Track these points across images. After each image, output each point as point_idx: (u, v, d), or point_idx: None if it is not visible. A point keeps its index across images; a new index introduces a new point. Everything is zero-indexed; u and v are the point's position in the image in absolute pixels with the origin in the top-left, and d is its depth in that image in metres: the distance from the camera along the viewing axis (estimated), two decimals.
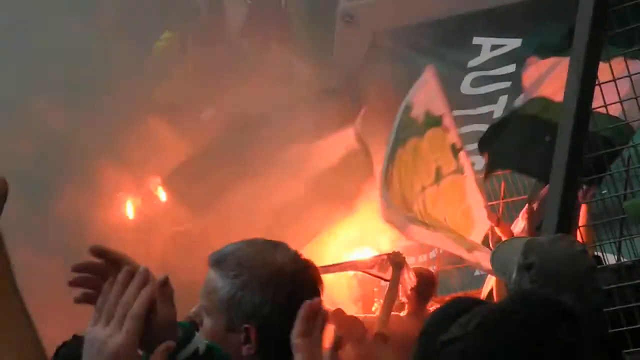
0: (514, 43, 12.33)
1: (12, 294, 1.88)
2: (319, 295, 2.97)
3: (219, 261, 2.97)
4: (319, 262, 3.37)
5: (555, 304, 1.99)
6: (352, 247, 11.34)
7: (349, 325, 8.44)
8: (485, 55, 12.42)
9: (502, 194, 10.47)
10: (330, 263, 10.07)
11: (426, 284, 8.81)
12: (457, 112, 11.05)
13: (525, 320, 1.91)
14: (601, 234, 5.21)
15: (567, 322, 1.92)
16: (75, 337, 4.27)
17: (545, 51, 8.09)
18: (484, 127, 8.97)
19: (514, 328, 1.89)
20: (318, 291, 2.98)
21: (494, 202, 10.11)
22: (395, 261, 8.79)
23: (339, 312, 8.37)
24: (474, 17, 12.28)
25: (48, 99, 10.45)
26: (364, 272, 9.61)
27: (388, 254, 9.11)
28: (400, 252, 9.10)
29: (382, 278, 9.17)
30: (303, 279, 2.97)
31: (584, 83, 4.52)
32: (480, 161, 11.24)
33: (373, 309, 10.46)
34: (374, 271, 9.28)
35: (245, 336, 2.91)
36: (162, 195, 11.58)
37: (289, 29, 12.55)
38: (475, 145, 11.14)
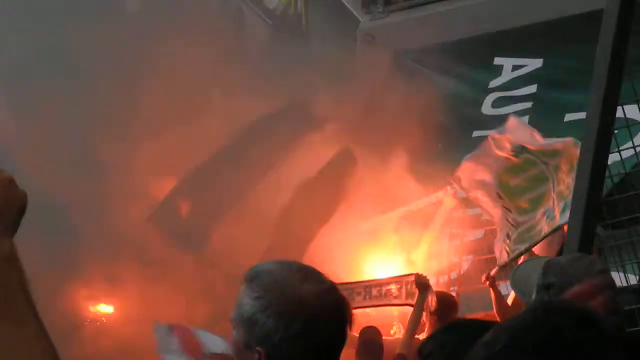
0: (536, 63, 12.33)
1: (27, 312, 1.87)
2: (339, 331, 2.97)
3: (250, 278, 3.00)
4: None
5: (579, 309, 1.96)
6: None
7: (367, 346, 8.42)
8: (506, 75, 12.41)
9: None
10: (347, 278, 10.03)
11: (447, 308, 8.76)
12: (478, 133, 11.05)
13: (556, 327, 1.88)
14: (622, 254, 5.19)
15: (595, 326, 1.89)
16: None
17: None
18: None
19: (545, 340, 1.86)
20: (339, 328, 2.97)
21: None
22: (421, 283, 8.75)
23: (353, 337, 8.34)
24: (496, 37, 12.28)
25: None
26: (392, 305, 9.56)
27: (414, 276, 9.06)
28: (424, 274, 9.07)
29: (410, 305, 9.13)
30: (323, 315, 2.94)
31: (606, 101, 4.51)
32: None
33: (392, 332, 10.42)
34: (402, 300, 9.25)
35: (258, 358, 2.92)
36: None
37: (309, 49, 12.56)
38: None
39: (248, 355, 2.94)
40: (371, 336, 8.72)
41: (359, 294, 9.57)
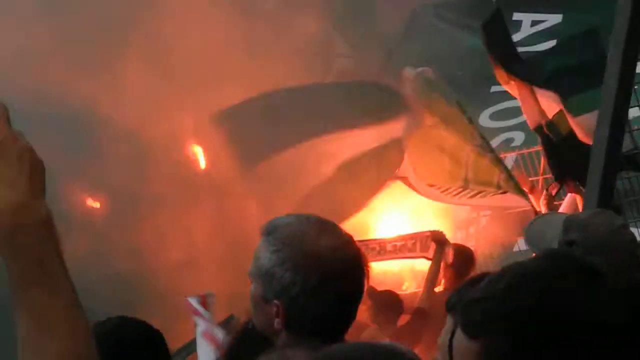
0: (555, 19, 12.24)
1: (62, 278, 1.90)
2: (356, 284, 2.99)
3: (268, 232, 3.02)
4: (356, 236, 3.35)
5: (584, 263, 1.96)
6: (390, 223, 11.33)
7: (386, 300, 8.47)
8: (525, 31, 12.33)
9: (541, 170, 10.44)
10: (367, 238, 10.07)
11: (465, 261, 8.79)
12: (496, 88, 11.01)
13: (562, 275, 1.89)
14: (627, 212, 5.19)
15: (597, 281, 1.90)
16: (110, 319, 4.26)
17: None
18: None
19: (543, 289, 1.87)
20: (356, 281, 3.00)
21: (533, 178, 10.11)
22: (438, 239, 8.79)
23: (372, 289, 8.39)
24: None
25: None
26: (407, 258, 9.60)
27: (430, 232, 9.10)
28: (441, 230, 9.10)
29: (425, 258, 9.15)
30: (340, 268, 2.97)
31: (626, 55, 4.50)
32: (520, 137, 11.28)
33: (403, 287, 10.46)
34: (417, 253, 9.29)
35: (276, 311, 2.96)
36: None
37: (329, 3, 12.50)
38: (512, 121, 11.18)
39: (266, 308, 2.99)
40: (390, 294, 8.79)
41: (373, 249, 9.62)
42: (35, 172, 1.92)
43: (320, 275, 2.93)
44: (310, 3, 11.53)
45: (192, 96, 10.80)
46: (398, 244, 9.69)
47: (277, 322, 2.97)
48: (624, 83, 4.55)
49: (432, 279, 8.43)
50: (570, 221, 3.84)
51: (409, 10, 12.39)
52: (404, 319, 8.39)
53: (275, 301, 2.95)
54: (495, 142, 10.92)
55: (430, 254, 8.87)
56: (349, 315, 3.05)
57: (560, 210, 8.27)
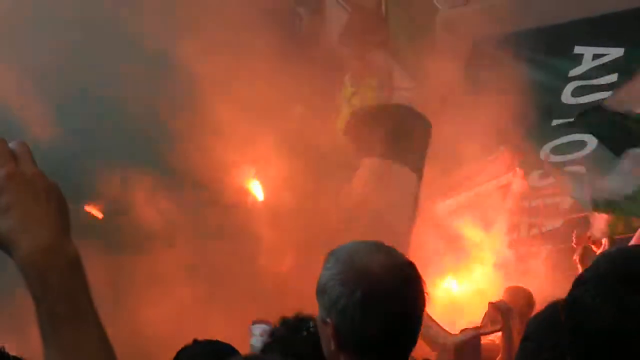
0: (617, 52, 12.18)
1: (91, 315, 1.92)
2: (408, 304, 2.97)
3: (330, 254, 3.03)
4: None
5: None
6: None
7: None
8: (586, 64, 12.27)
9: None
10: None
11: (525, 301, 8.69)
12: (557, 122, 10.98)
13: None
14: None
15: None
16: (195, 341, 4.37)
17: None
18: (585, 137, 8.95)
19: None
20: (408, 300, 2.98)
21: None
22: (500, 308, 8.53)
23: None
24: (576, 25, 12.16)
25: None
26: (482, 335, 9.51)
27: (492, 304, 8.93)
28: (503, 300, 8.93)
29: (494, 331, 9.12)
30: (390, 285, 2.95)
31: None
32: None
33: None
34: (488, 329, 9.21)
35: (330, 331, 2.97)
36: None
37: (388, 36, 12.56)
38: (574, 156, 11.12)
39: (325, 330, 2.99)
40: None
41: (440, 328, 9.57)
42: (63, 211, 1.94)
43: (365, 289, 2.91)
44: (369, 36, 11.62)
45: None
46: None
47: (332, 344, 2.97)
48: None
49: (508, 352, 8.11)
50: None
51: (470, 41, 12.40)
52: None
53: (328, 319, 2.95)
54: None
55: (500, 326, 8.77)
56: (403, 337, 2.99)
57: (632, 242, 8.20)
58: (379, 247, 3.02)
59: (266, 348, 3.74)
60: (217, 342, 4.32)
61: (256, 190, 11.72)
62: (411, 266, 3.01)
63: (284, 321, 3.77)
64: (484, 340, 9.37)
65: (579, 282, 1.96)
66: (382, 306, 2.92)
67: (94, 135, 10.66)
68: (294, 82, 10.89)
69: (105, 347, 1.91)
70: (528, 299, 8.83)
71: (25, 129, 9.54)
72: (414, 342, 3.02)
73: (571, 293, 1.96)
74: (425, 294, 2.99)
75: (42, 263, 1.87)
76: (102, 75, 10.36)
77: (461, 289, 11.02)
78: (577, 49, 12.32)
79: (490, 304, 8.92)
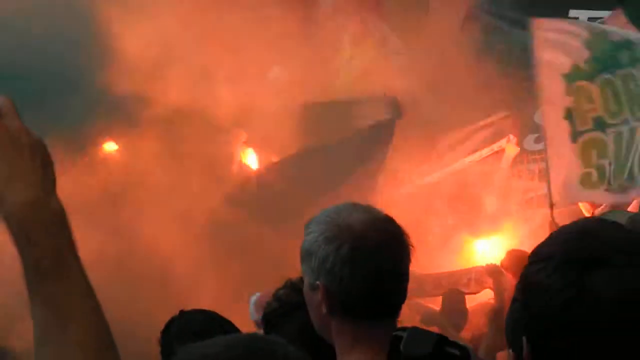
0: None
1: (77, 270, 1.92)
2: (395, 259, 2.95)
3: (308, 222, 3.02)
4: None
5: None
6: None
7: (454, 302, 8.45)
8: None
9: None
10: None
11: (522, 264, 8.67)
12: None
13: None
14: None
15: None
16: (182, 312, 4.33)
17: None
18: None
19: None
20: (395, 255, 2.96)
21: None
22: (493, 272, 8.49)
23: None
24: None
25: None
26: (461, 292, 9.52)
27: (485, 267, 8.93)
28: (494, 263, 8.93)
29: (477, 292, 9.13)
30: (375, 239, 2.93)
31: None
32: None
33: None
34: (471, 289, 9.23)
35: (321, 295, 2.94)
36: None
37: (382, 2, 12.53)
38: None
39: (314, 297, 2.97)
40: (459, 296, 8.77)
41: (428, 283, 9.62)
42: (48, 166, 1.94)
43: (352, 244, 2.90)
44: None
45: None
46: (453, 279, 9.65)
47: (323, 308, 2.94)
48: None
49: (495, 316, 8.04)
50: (633, 220, 3.81)
51: (463, 7, 12.37)
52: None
53: (317, 282, 2.93)
54: None
55: (483, 289, 8.80)
56: (394, 294, 2.99)
57: (630, 209, 8.15)
58: (356, 205, 3.01)
59: (276, 316, 3.68)
60: (203, 311, 4.29)
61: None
62: (392, 221, 3.00)
63: (291, 284, 3.72)
64: (480, 301, 9.45)
65: (534, 259, 1.94)
66: (370, 261, 2.89)
67: None
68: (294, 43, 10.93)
69: (90, 303, 1.91)
70: (525, 260, 8.79)
71: None
72: (403, 299, 2.99)
73: (526, 270, 1.94)
74: (410, 247, 2.98)
75: (27, 218, 1.87)
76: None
77: (458, 256, 11.04)
78: (572, 13, 12.30)
79: (484, 266, 8.97)
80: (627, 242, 1.92)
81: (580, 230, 1.98)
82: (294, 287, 3.65)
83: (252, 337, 1.79)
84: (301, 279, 3.11)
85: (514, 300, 2.05)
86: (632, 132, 8.34)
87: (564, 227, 2.04)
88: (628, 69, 8.48)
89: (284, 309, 3.65)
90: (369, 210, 3.01)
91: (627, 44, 8.57)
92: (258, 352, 1.72)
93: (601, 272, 1.85)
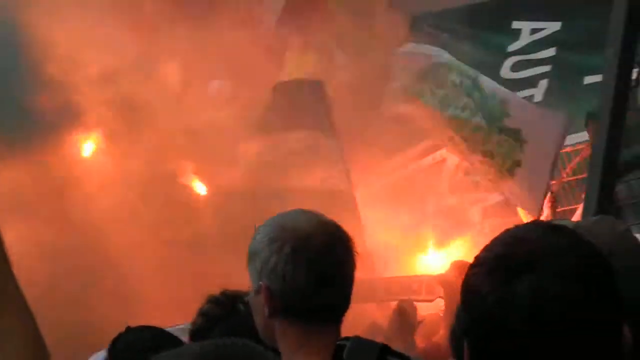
0: (554, 26, 12.29)
1: (22, 302, 1.92)
2: (338, 262, 2.97)
3: (258, 227, 3.03)
4: None
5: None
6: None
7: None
8: (524, 39, 12.38)
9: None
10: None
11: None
12: None
13: None
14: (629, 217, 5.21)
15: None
16: (129, 328, 4.31)
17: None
18: None
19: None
20: (338, 259, 2.96)
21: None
22: (445, 282, 8.53)
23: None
24: (513, 0, 12.27)
25: None
26: (411, 300, 9.53)
27: (437, 276, 8.95)
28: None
29: (429, 301, 9.14)
30: (318, 241, 2.94)
31: (622, 59, 4.53)
32: None
33: None
34: (422, 296, 9.23)
35: (264, 296, 2.93)
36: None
37: (328, 15, 12.55)
38: None
39: (258, 301, 2.96)
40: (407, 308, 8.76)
41: (379, 288, 9.62)
42: None
43: (295, 243, 2.91)
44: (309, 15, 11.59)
45: None
46: (404, 285, 9.64)
47: (266, 310, 2.93)
48: (620, 87, 4.57)
49: (446, 327, 8.10)
50: (579, 228, 3.84)
51: (410, 18, 12.43)
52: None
53: (261, 282, 2.93)
54: None
55: (435, 297, 8.81)
56: (337, 298, 2.98)
57: (574, 218, 8.24)
58: (305, 210, 3.04)
59: (201, 331, 3.66)
60: (151, 327, 4.27)
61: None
62: (339, 227, 3.01)
63: (214, 299, 3.71)
64: (430, 312, 9.48)
65: (472, 264, 1.99)
66: (313, 262, 2.90)
67: None
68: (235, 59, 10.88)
69: (25, 317, 1.91)
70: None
71: None
72: (346, 305, 2.99)
73: (466, 275, 1.99)
74: (355, 254, 2.99)
75: None
76: None
77: (405, 267, 11.04)
78: (515, 24, 12.42)
79: (437, 276, 8.99)
80: (556, 247, 1.95)
81: (514, 235, 2.02)
82: (217, 301, 3.66)
83: (227, 342, 1.79)
84: (223, 293, 3.14)
85: (458, 308, 2.10)
86: None
87: (503, 232, 2.09)
88: None
89: (209, 323, 3.66)
90: (316, 215, 3.03)
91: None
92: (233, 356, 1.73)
93: (528, 276, 1.89)
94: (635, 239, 3.94)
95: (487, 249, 2.01)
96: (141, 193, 10.28)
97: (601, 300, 1.91)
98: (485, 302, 1.91)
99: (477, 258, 2.00)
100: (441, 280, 8.53)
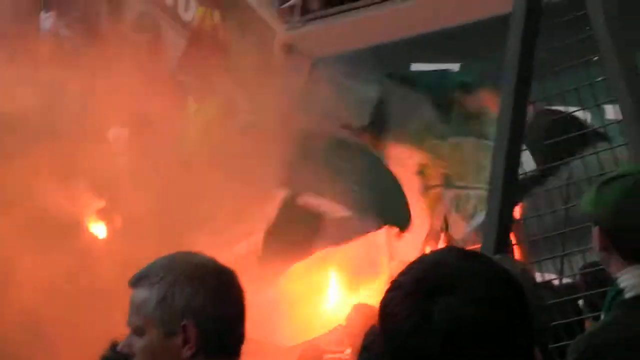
0: (452, 68, 12.43)
1: None
2: (243, 296, 2.96)
3: (141, 277, 2.96)
4: None
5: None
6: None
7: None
8: None
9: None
10: None
11: (366, 321, 8.72)
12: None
13: None
14: (540, 252, 5.28)
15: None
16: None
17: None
18: None
19: None
20: (243, 294, 2.96)
21: None
22: (348, 329, 8.49)
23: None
24: (411, 43, 12.38)
25: None
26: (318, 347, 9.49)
27: (342, 327, 8.92)
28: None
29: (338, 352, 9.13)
30: (226, 275, 2.95)
31: (516, 111, 4.59)
32: None
33: None
34: (334, 349, 9.22)
35: (184, 337, 2.86)
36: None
37: (228, 60, 12.55)
38: None
39: (172, 343, 2.88)
40: None
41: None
42: None
43: (216, 280, 2.90)
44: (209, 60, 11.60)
45: None
46: (315, 344, 9.62)
47: (186, 350, 2.85)
48: (516, 122, 4.63)
49: None
50: (524, 270, 3.89)
51: (310, 63, 12.49)
52: None
53: (183, 322, 2.85)
54: None
55: (345, 348, 8.80)
56: (243, 333, 2.99)
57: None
58: (186, 251, 3.03)
59: None
60: None
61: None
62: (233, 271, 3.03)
63: (113, 345, 3.67)
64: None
65: (388, 288, 2.02)
66: (236, 295, 2.93)
67: None
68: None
69: None
70: (369, 316, 8.84)
71: None
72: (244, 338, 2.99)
73: (382, 298, 2.01)
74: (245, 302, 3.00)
75: None
76: None
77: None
78: (414, 66, 12.54)
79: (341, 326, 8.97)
80: (472, 272, 1.97)
81: (430, 260, 2.07)
82: (113, 347, 3.62)
83: None
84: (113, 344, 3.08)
85: (363, 349, 2.14)
86: (467, 197, 8.80)
87: (419, 257, 2.12)
88: (476, 139, 8.88)
89: None
90: (203, 255, 3.02)
91: (476, 115, 8.94)
92: None
93: (444, 300, 1.92)
94: (534, 278, 4.00)
95: (403, 272, 2.03)
96: (39, 243, 10.14)
97: (514, 323, 1.94)
98: (402, 325, 1.94)
99: (393, 282, 2.03)
100: (346, 329, 8.50)
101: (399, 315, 1.95)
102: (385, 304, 2.00)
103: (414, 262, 2.07)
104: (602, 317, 3.34)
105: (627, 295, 3.22)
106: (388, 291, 2.01)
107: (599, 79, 5.30)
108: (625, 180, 3.25)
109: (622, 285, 3.23)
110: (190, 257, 2.99)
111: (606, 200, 3.23)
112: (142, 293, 2.93)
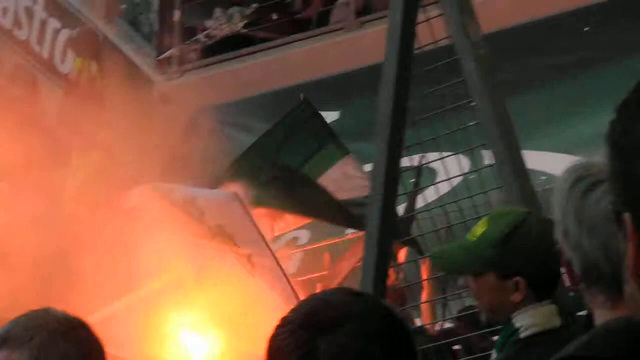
0: (333, 116, 12.50)
1: None
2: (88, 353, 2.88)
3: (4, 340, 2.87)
4: None
5: None
6: None
7: None
8: None
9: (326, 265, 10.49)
10: None
11: None
12: None
13: None
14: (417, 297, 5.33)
15: None
16: None
17: None
18: None
19: None
20: (87, 350, 2.86)
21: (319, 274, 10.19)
22: None
23: None
24: (290, 92, 12.43)
25: None
26: None
27: None
28: None
29: None
30: (73, 336, 2.83)
31: (391, 148, 4.63)
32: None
33: None
34: None
35: None
36: None
37: (105, 112, 12.45)
38: None
39: None
40: None
41: None
42: None
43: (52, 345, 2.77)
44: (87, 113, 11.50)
45: None
46: None
47: None
48: (390, 170, 4.68)
49: None
50: None
51: (189, 113, 12.45)
52: None
53: None
54: (281, 242, 10.96)
55: None
56: None
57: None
58: (39, 309, 2.98)
59: None
60: None
61: None
62: (74, 316, 2.98)
63: None
64: None
65: (277, 325, 2.11)
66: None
67: None
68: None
69: None
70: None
71: None
72: None
73: (270, 336, 2.11)
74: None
75: None
76: None
77: None
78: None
79: None
80: (359, 310, 2.07)
81: (319, 298, 2.21)
82: None
83: None
84: None
85: None
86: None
87: (309, 296, 2.27)
88: None
89: None
90: (55, 310, 2.95)
91: None
92: None
93: (332, 335, 2.01)
94: (410, 325, 4.03)
95: (293, 310, 2.12)
96: None
97: (400, 358, 2.06)
98: (289, 358, 2.02)
99: (283, 319, 2.10)
100: None
101: (285, 350, 2.02)
102: (272, 341, 2.07)
103: (303, 301, 2.21)
104: (494, 356, 3.47)
105: (522, 334, 3.38)
106: (277, 328, 2.08)
107: (472, 123, 5.40)
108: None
109: (517, 325, 3.38)
110: (34, 317, 2.91)
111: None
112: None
